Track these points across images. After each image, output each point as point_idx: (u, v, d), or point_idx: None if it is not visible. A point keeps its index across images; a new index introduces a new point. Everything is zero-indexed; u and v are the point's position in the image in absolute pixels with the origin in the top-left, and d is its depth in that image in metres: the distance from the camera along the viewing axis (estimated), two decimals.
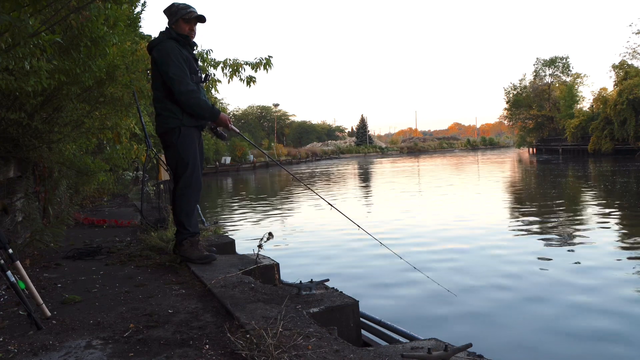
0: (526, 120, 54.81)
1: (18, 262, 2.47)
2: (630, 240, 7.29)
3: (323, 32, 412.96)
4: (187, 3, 3.56)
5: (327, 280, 2.91)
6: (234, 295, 2.73)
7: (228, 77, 5.20)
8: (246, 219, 11.31)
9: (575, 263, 6.04)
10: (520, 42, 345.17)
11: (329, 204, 3.70)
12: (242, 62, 5.09)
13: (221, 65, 5.28)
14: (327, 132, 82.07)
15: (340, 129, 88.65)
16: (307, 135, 75.29)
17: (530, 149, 56.62)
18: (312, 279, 2.93)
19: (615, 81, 36.33)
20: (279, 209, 13.13)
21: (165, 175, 7.07)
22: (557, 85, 52.16)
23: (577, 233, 7.93)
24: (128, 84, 4.55)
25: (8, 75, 2.62)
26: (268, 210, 12.73)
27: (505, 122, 61.00)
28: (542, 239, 7.56)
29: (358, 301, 2.63)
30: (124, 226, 6.37)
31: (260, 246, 3.31)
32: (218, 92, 8.56)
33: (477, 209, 11.30)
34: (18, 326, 2.43)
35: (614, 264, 5.88)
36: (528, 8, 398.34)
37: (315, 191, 4.70)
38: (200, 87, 3.58)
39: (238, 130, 3.80)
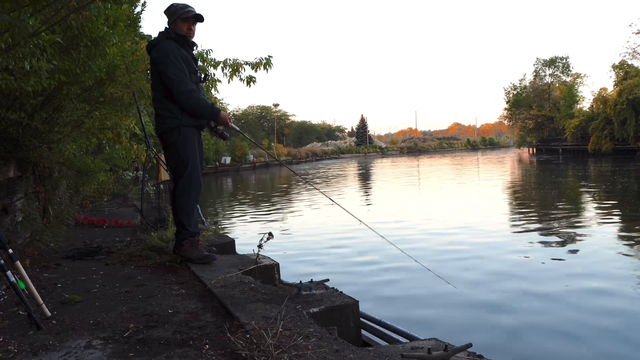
0: (526, 120, 54.81)
1: (18, 262, 2.47)
2: (631, 241, 7.29)
3: (323, 32, 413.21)
4: (186, 3, 3.57)
5: (327, 280, 2.91)
6: (234, 295, 2.73)
7: (228, 77, 5.19)
8: (246, 219, 11.31)
9: (577, 263, 6.04)
10: (520, 42, 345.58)
11: (332, 200, 3.70)
12: (242, 62, 5.08)
13: (221, 65, 5.27)
14: (327, 132, 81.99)
15: (340, 129, 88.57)
16: (307, 135, 75.22)
17: (530, 149, 56.61)
18: (312, 279, 2.93)
19: (615, 81, 36.36)
20: (279, 208, 13.13)
21: (165, 175, 7.07)
22: (557, 85, 52.18)
23: (578, 233, 7.93)
24: (128, 84, 4.55)
25: (8, 75, 2.61)
26: (268, 210, 12.73)
27: (505, 122, 61.02)
28: (543, 239, 7.56)
29: (358, 301, 2.63)
30: (124, 226, 6.37)
31: (260, 246, 3.31)
32: (218, 92, 8.55)
33: (478, 208, 11.30)
34: (18, 326, 2.43)
35: (615, 265, 5.88)
36: (528, 8, 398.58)
37: (318, 188, 4.70)
38: (199, 86, 3.58)
39: (238, 129, 3.80)
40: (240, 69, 5.11)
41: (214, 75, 5.47)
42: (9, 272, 2.31)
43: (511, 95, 55.36)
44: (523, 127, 55.87)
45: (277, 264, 3.55)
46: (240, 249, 4.84)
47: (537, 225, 8.79)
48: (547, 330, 4.00)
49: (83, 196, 9.36)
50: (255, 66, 4.92)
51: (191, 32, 3.57)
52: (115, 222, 6.56)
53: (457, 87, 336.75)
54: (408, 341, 2.63)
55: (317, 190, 4.38)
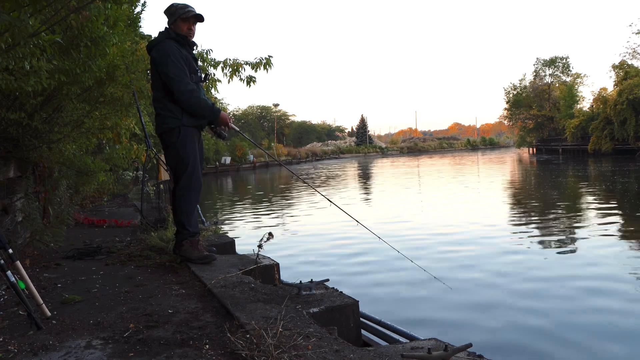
0: (526, 120, 54.84)
1: (18, 262, 2.47)
2: (631, 241, 7.28)
3: (323, 32, 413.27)
4: (186, 3, 3.57)
5: (327, 280, 2.91)
6: (234, 295, 2.73)
7: (228, 77, 5.19)
8: (246, 219, 11.31)
9: (576, 263, 6.04)
10: (520, 42, 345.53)
11: (329, 200, 3.71)
12: (242, 62, 5.08)
13: (221, 65, 5.26)
14: (327, 132, 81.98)
15: (340, 129, 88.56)
16: (307, 135, 75.21)
17: (530, 149, 56.62)
18: (312, 279, 2.94)
19: (615, 81, 36.37)
20: (279, 208, 13.13)
21: (165, 175, 7.07)
22: (557, 85, 52.19)
23: (578, 233, 7.93)
24: (128, 84, 4.55)
25: (8, 75, 2.62)
26: (268, 210, 12.73)
27: (505, 122, 61.05)
28: (543, 239, 7.56)
29: (358, 301, 2.63)
30: (124, 226, 6.37)
31: (260, 246, 3.31)
32: (218, 92, 8.54)
33: (477, 208, 11.30)
34: (18, 326, 2.43)
35: (614, 265, 5.88)
36: (528, 8, 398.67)
37: (317, 190, 4.70)
38: (199, 86, 3.58)
39: (238, 129, 3.81)
40: (240, 69, 5.11)
41: (214, 75, 5.47)
42: (9, 272, 2.31)
43: (511, 95, 55.37)
44: (523, 127, 55.89)
45: (277, 264, 3.55)
46: (240, 249, 4.84)
47: (537, 225, 8.79)
48: (547, 330, 4.00)
49: (83, 196, 9.36)
50: (255, 66, 4.92)
51: (191, 32, 3.57)
52: (115, 222, 6.56)
53: (457, 87, 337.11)
54: (408, 341, 2.63)
55: (316, 192, 4.38)
